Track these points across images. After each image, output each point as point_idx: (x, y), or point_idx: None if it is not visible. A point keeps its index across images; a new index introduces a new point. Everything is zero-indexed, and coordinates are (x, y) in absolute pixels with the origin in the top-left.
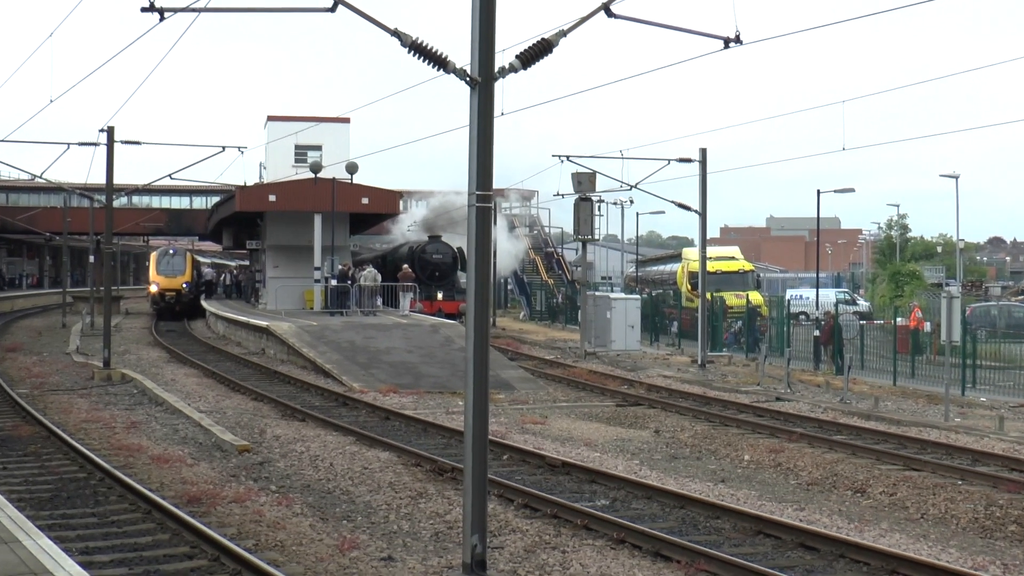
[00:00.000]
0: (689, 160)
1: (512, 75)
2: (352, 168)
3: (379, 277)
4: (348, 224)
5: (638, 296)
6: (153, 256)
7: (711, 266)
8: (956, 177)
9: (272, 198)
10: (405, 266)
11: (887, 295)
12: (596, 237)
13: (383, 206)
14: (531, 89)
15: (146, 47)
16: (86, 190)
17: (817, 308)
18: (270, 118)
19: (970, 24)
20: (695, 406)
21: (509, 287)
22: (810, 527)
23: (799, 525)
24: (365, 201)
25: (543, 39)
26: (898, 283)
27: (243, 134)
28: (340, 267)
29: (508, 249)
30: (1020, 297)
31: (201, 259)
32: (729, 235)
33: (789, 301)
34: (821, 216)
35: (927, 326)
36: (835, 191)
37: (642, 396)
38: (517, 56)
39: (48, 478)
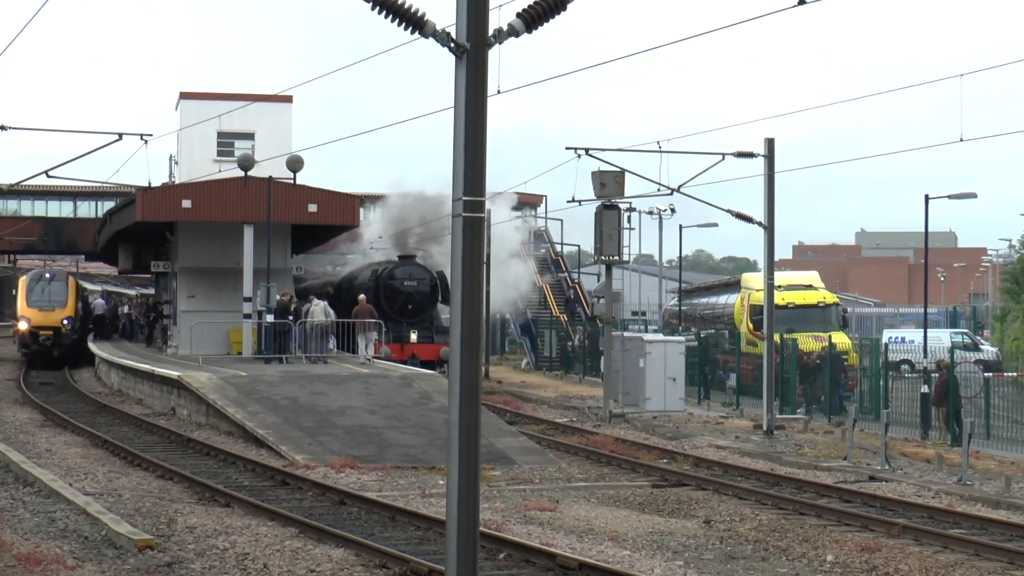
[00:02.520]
0: (750, 155)
1: (512, 40)
2: (296, 164)
3: (331, 311)
4: (290, 239)
5: (682, 338)
6: (22, 282)
7: (781, 297)
8: None
9: (186, 204)
10: (362, 297)
11: (1022, 338)
12: (625, 258)
13: (337, 215)
14: (538, 60)
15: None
16: None
17: (925, 355)
18: (184, 96)
19: None
20: (759, 487)
21: (508, 326)
22: None
23: None
24: (313, 209)
25: None
26: None
27: (147, 118)
28: (279, 297)
29: (508, 274)
30: None
31: (89, 286)
32: (805, 256)
33: (887, 345)
34: (930, 230)
35: None
36: (950, 197)
37: (687, 474)
38: (518, 15)
39: None
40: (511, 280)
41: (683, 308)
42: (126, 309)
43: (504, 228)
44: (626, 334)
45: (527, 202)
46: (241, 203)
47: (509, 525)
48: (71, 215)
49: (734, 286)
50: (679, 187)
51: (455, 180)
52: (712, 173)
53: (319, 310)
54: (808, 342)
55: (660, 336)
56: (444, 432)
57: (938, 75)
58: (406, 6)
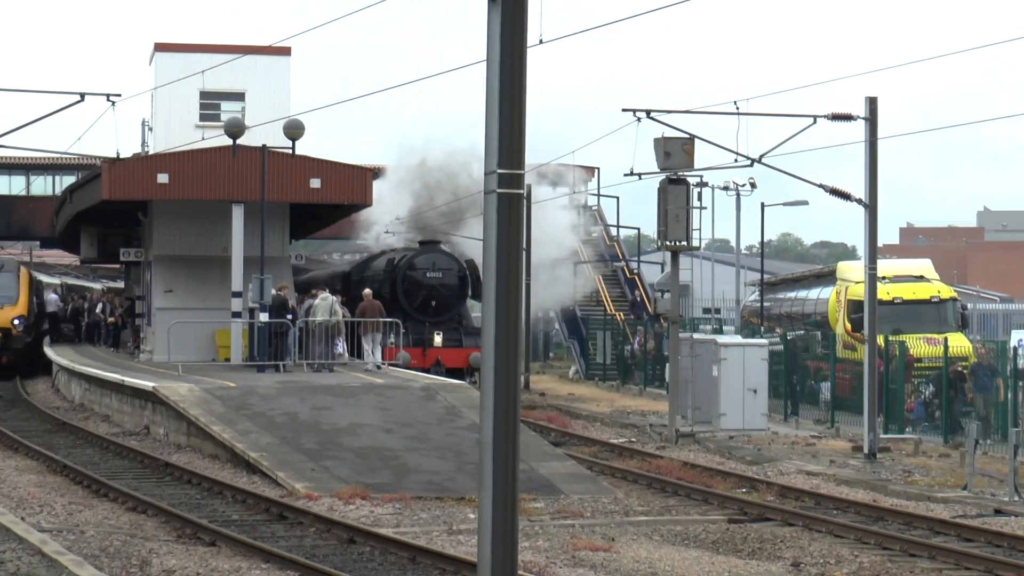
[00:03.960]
0: (848, 117)
1: None
2: (295, 130)
3: (339, 308)
4: (288, 222)
5: (764, 341)
6: None
7: (886, 291)
8: None
9: (163, 178)
10: (367, 291)
11: None
12: (695, 243)
13: (345, 192)
14: (591, 3)
15: None
16: None
17: None
18: (159, 47)
19: None
20: (859, 523)
21: (552, 326)
22: None
23: None
24: (316, 184)
25: None
26: None
27: (115, 75)
28: (275, 292)
29: (559, 282)
30: None
31: (45, 279)
32: (915, 240)
33: (1017, 349)
34: None
35: None
36: None
37: (771, 506)
38: None
39: None
40: (556, 289)
41: (766, 304)
42: (100, 308)
43: (558, 220)
44: (696, 336)
45: (578, 176)
46: (229, 177)
47: (554, 568)
48: (23, 192)
49: (828, 277)
50: (761, 157)
51: (488, 149)
52: (801, 140)
53: (324, 306)
54: (919, 345)
55: (738, 338)
56: (475, 455)
57: None
58: None
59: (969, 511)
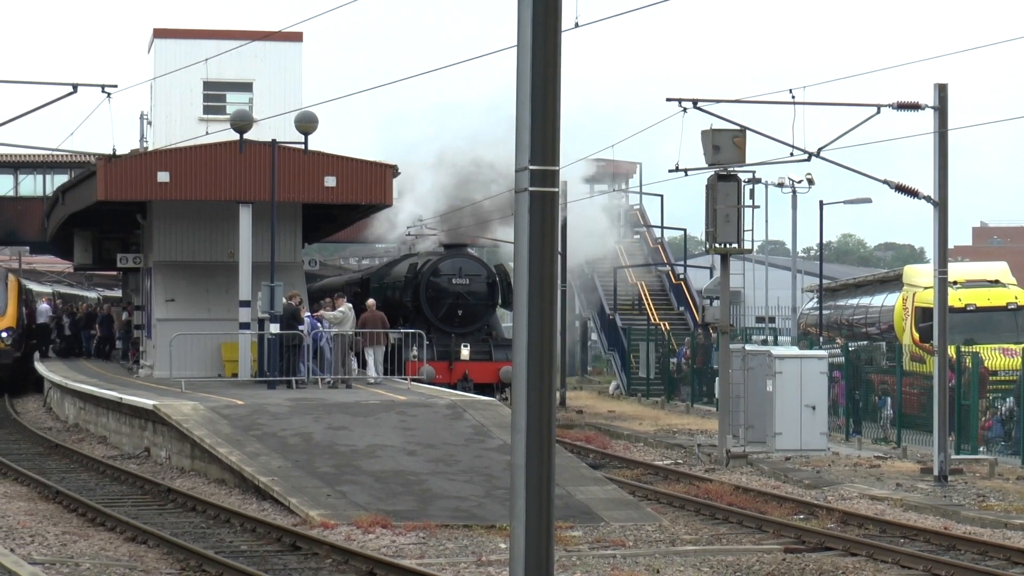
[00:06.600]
0: (915, 106)
1: None
2: (307, 123)
3: (351, 316)
4: (300, 224)
5: (823, 352)
6: None
7: (958, 297)
8: None
9: (163, 177)
10: (371, 301)
11: None
12: (747, 246)
13: (363, 191)
14: None
15: None
16: None
17: None
18: (159, 34)
19: None
20: (929, 552)
21: (590, 336)
22: None
23: None
24: (331, 182)
25: None
26: None
27: (111, 64)
28: (286, 301)
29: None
30: None
31: (36, 287)
32: (990, 241)
33: None
34: None
35: None
36: None
37: (832, 534)
38: None
39: None
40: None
41: (825, 312)
42: (125, 316)
43: (602, 226)
44: (748, 347)
45: (615, 172)
46: (235, 176)
47: None
48: (11, 193)
49: (893, 283)
50: (819, 151)
51: (519, 143)
52: (864, 131)
53: (351, 317)
54: (994, 357)
55: (794, 350)
56: (506, 479)
57: None
58: None
59: None
